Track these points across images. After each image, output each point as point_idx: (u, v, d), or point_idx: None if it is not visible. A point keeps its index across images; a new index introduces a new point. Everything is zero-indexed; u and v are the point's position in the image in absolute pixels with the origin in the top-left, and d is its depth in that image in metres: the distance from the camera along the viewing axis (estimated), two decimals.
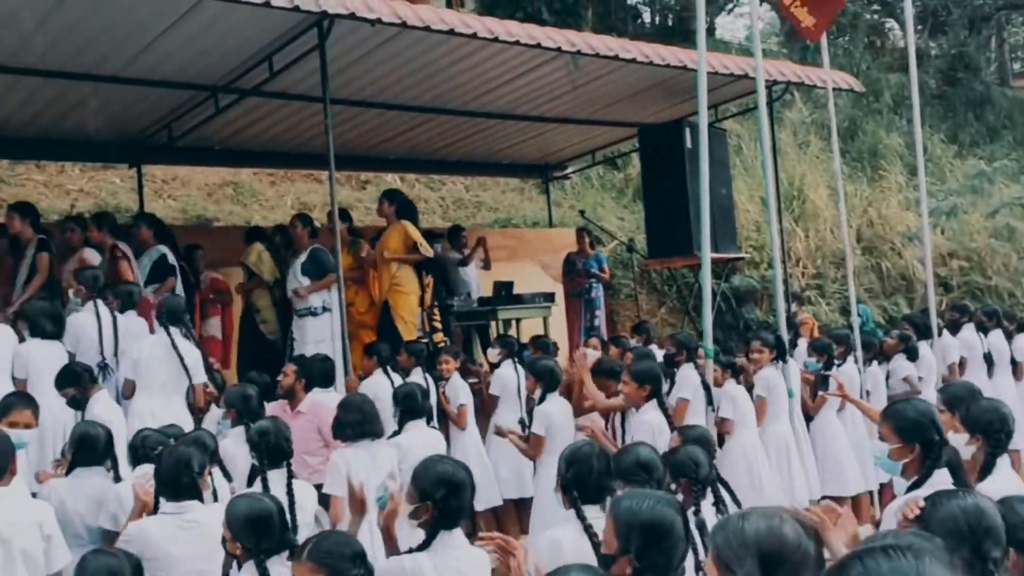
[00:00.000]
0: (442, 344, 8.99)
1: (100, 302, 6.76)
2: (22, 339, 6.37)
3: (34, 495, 4.48)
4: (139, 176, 10.69)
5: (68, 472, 4.65)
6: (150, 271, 8.09)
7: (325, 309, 8.31)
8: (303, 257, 8.43)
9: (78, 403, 5.67)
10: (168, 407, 6.26)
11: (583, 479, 3.69)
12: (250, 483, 4.78)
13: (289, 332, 8.54)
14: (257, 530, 3.42)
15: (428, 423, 6.04)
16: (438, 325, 9.38)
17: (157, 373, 6.36)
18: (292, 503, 4.17)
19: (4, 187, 11.61)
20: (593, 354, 8.29)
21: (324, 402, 6.28)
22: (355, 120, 9.77)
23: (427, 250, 8.70)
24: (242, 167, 12.62)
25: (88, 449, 4.65)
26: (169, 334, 6.48)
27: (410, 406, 5.82)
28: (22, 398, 5.02)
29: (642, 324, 9.72)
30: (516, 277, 10.16)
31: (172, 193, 12.75)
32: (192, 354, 6.54)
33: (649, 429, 5.43)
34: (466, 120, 10.41)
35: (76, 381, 5.73)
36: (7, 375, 6.12)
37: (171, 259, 8.22)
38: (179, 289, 8.12)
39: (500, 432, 6.51)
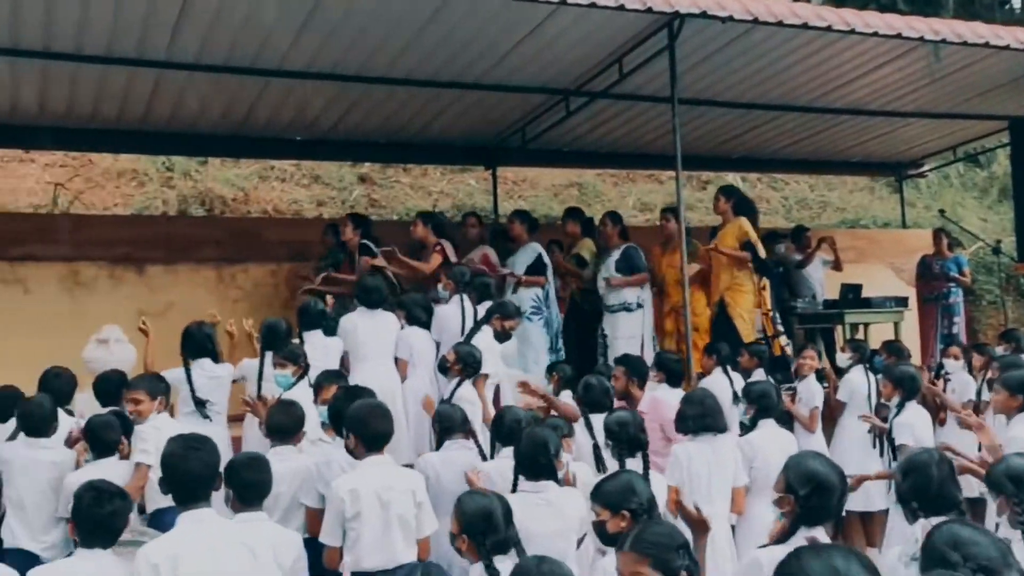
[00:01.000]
0: (786, 346, 8.80)
1: (465, 296, 7.25)
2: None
3: (409, 466, 4.93)
4: (494, 178, 11.33)
5: (438, 447, 5.08)
6: (528, 267, 8.54)
7: (639, 305, 8.43)
8: (616, 255, 8.56)
9: None
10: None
11: (922, 489, 3.50)
12: (598, 468, 4.98)
13: (600, 328, 8.65)
14: (484, 526, 3.55)
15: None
16: (780, 329, 9.16)
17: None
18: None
19: (377, 188, 12.77)
20: (954, 365, 7.80)
21: (665, 400, 6.32)
22: (699, 120, 9.80)
23: (762, 250, 8.54)
24: (588, 168, 13.02)
25: (450, 426, 5.08)
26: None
27: (765, 404, 5.74)
28: (331, 375, 5.59)
29: (1010, 331, 8.94)
30: (865, 279, 9.71)
31: (522, 194, 13.40)
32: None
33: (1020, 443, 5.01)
34: (814, 117, 10.11)
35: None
36: (390, 356, 6.76)
37: (545, 257, 8.64)
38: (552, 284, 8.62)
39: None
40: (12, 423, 5.27)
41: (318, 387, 5.46)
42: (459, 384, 6.12)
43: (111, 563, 3.43)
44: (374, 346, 6.75)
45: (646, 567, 2.76)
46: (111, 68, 7.54)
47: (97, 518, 3.45)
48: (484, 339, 6.78)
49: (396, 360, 6.77)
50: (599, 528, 3.54)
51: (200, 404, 5.95)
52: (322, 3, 6.60)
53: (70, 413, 5.70)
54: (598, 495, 3.57)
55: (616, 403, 5.99)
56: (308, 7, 6.65)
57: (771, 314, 9.00)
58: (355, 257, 8.34)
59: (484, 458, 5.05)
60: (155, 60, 7.44)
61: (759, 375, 7.35)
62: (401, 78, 8.17)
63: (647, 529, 2.93)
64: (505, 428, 4.87)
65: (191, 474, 3.43)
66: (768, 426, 5.73)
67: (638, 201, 13.84)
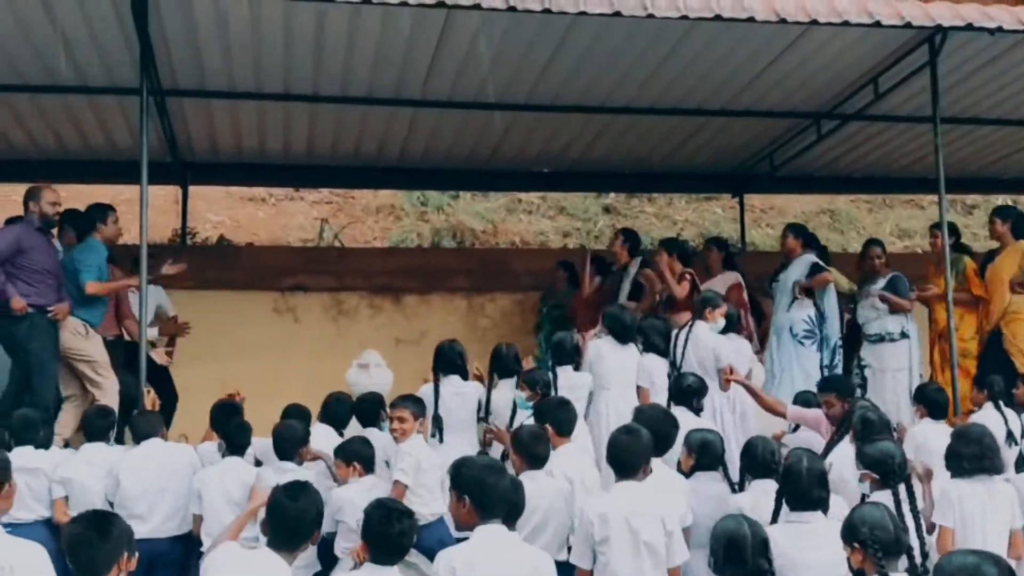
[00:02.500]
0: None
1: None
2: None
3: None
4: (741, 205, 11.14)
5: (689, 475, 5.04)
6: None
7: (903, 335, 8.00)
8: (881, 283, 8.14)
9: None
10: None
11: None
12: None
13: (857, 358, 8.24)
14: (729, 552, 3.60)
15: None
16: None
17: None
18: (918, 523, 4.29)
19: (621, 218, 12.86)
20: None
21: (927, 435, 6.00)
22: (963, 139, 9.25)
23: None
24: (840, 194, 12.58)
25: (708, 456, 5.05)
26: None
27: None
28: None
29: None
30: None
31: (769, 222, 13.11)
32: None
33: None
34: None
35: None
36: (632, 385, 6.75)
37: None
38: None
39: None
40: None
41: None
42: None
43: None
44: (619, 377, 6.77)
45: None
46: (372, 108, 8.04)
47: (387, 537, 3.65)
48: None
49: (638, 388, 6.76)
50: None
51: (436, 421, 6.12)
52: (568, 38, 6.77)
53: (340, 435, 6.07)
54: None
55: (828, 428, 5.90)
56: (555, 42, 6.84)
57: None
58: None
59: (734, 489, 4.96)
60: (411, 99, 7.87)
61: None
62: (646, 107, 8.23)
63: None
64: (758, 459, 4.75)
65: (499, 494, 3.74)
66: None
67: (896, 227, 13.22)
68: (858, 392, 7.80)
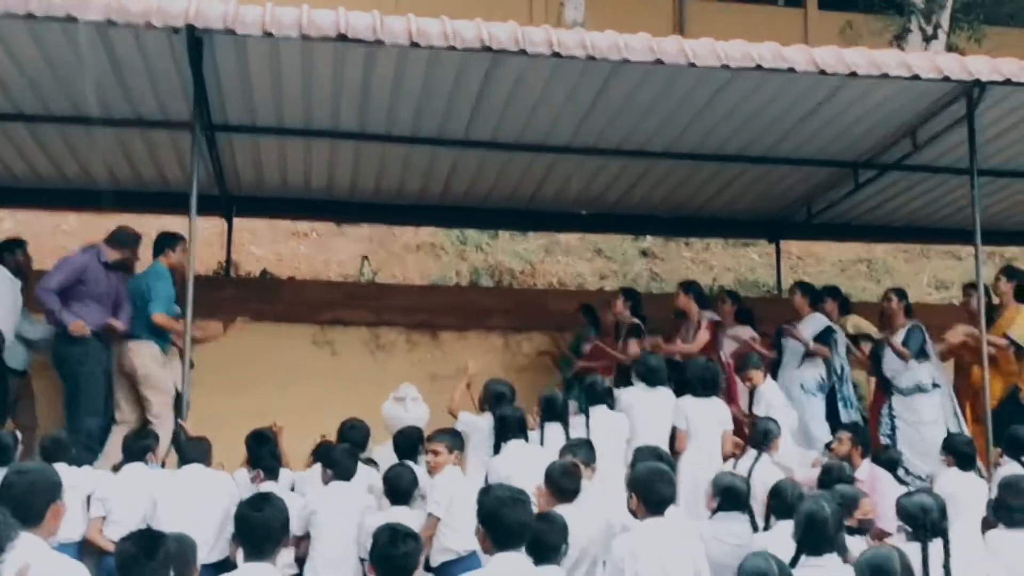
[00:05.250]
0: None
1: None
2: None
3: None
4: (777, 252, 11.16)
5: (712, 516, 5.08)
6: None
7: (935, 385, 7.98)
8: (901, 335, 8.12)
9: None
10: None
11: None
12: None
13: (887, 409, 8.12)
14: None
15: None
16: None
17: None
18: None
19: (658, 262, 12.92)
20: None
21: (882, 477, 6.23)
22: (1002, 192, 9.22)
23: None
24: (877, 242, 12.54)
25: (732, 499, 5.04)
26: None
27: None
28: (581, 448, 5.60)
29: None
30: None
31: (806, 269, 13.08)
32: None
33: None
34: None
35: None
36: (666, 430, 6.82)
37: (835, 329, 8.45)
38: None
39: None
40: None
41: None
42: (757, 459, 6.06)
43: None
44: (653, 423, 6.83)
45: None
46: (416, 147, 8.19)
47: (391, 559, 3.68)
48: None
49: (674, 429, 6.80)
50: None
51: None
52: (610, 84, 6.89)
53: (373, 463, 6.16)
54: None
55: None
56: (597, 88, 6.96)
57: None
58: (620, 330, 8.46)
59: (755, 529, 4.98)
60: (455, 140, 8.01)
61: None
62: (685, 153, 8.32)
63: None
64: (787, 502, 4.78)
65: (513, 524, 3.73)
66: None
67: (933, 278, 13.16)
68: (887, 441, 7.82)
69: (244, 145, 8.27)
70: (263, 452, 5.91)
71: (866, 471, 6.34)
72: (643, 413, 6.82)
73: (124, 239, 7.26)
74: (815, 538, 4.14)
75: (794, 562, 4.19)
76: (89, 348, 6.74)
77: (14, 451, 5.55)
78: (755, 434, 6.36)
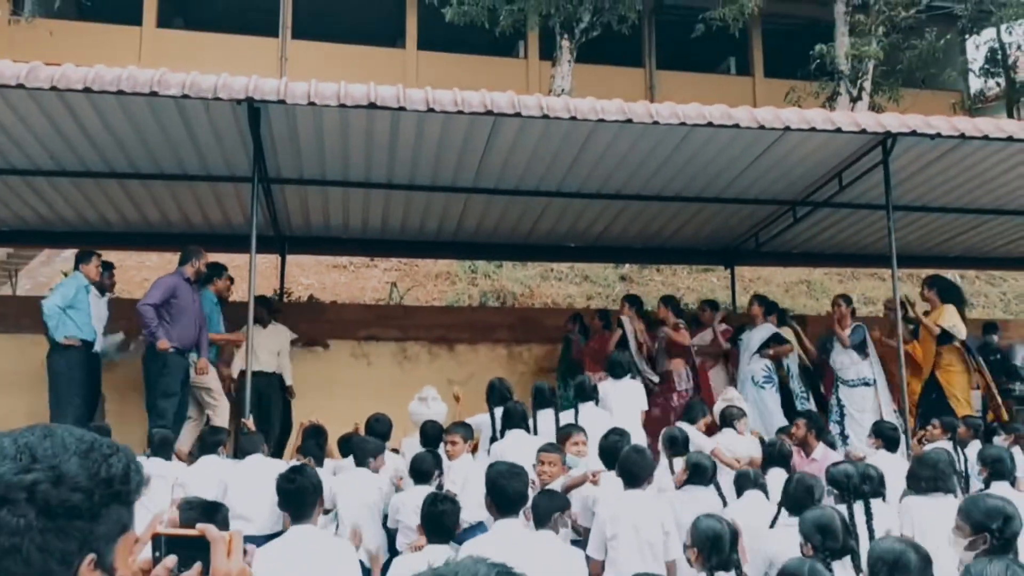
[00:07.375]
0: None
1: None
2: None
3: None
4: (732, 276, 11.24)
5: (680, 487, 5.14)
6: (761, 344, 8.50)
7: (875, 381, 8.09)
8: (847, 332, 8.24)
9: None
10: None
11: None
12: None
13: (835, 398, 8.20)
14: (711, 544, 3.56)
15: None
16: (1004, 414, 8.40)
17: None
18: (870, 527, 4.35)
19: (635, 285, 13.01)
20: None
21: (832, 456, 6.18)
22: (914, 224, 9.32)
23: (959, 333, 8.09)
24: (815, 267, 12.65)
25: (699, 473, 5.10)
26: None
27: (999, 468, 5.30)
28: (576, 428, 5.70)
29: None
30: None
31: (757, 289, 13.15)
32: None
33: None
34: None
35: None
36: (637, 415, 6.97)
37: (782, 334, 8.57)
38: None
39: None
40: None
41: (567, 437, 5.64)
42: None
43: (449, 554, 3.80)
44: (622, 408, 6.96)
45: None
46: (434, 194, 8.29)
47: (433, 516, 3.88)
48: None
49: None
50: None
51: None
52: (590, 140, 7.01)
53: (397, 452, 6.24)
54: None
55: (793, 449, 5.97)
56: (580, 143, 7.08)
57: (991, 389, 8.36)
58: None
59: (725, 503, 5.03)
60: (465, 187, 8.12)
61: (973, 446, 6.81)
62: (653, 195, 8.41)
63: None
64: (797, 498, 4.50)
65: (510, 494, 3.81)
66: (1001, 487, 5.28)
67: (862, 296, 13.24)
68: (836, 429, 7.88)
69: (294, 194, 8.38)
70: (310, 444, 5.99)
71: (820, 452, 6.32)
72: (614, 401, 6.97)
73: (188, 254, 7.37)
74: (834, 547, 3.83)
75: (774, 522, 4.27)
76: (168, 362, 6.84)
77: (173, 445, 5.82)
78: (723, 417, 6.62)
